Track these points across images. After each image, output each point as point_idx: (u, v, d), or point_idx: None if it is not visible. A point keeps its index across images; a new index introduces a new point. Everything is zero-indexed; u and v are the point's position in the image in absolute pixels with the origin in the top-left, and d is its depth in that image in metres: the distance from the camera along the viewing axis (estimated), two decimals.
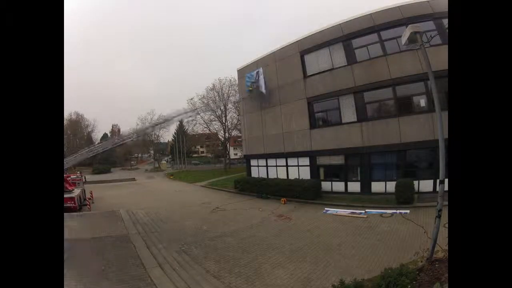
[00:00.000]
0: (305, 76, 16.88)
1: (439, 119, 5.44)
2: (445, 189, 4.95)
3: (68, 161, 13.87)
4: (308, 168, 16.81)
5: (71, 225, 11.13)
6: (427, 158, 13.15)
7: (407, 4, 13.46)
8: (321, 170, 16.42)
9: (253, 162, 20.88)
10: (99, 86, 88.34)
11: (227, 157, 44.71)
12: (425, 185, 12.68)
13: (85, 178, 25.32)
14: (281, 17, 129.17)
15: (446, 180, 4.49)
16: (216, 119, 40.62)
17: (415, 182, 12.63)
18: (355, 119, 14.80)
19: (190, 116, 25.13)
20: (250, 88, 17.84)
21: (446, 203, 3.02)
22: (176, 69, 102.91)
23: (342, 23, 15.28)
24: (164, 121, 18.95)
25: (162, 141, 62.94)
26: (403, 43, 6.09)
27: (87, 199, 17.36)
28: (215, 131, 43.68)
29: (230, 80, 37.36)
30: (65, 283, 2.82)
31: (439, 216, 5.26)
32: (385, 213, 11.21)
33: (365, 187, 14.46)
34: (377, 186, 14.09)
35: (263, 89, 18.30)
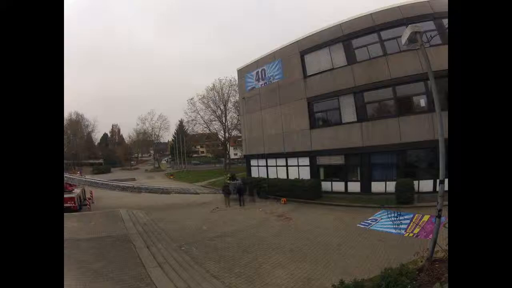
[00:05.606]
0: (305, 76, 16.88)
1: (439, 119, 5.43)
2: (445, 189, 4.94)
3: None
4: (308, 168, 16.81)
5: (71, 225, 11.12)
6: (427, 158, 13.14)
7: (407, 4, 13.46)
8: (321, 170, 16.42)
9: (253, 162, 20.88)
10: (99, 86, 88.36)
11: (227, 157, 44.71)
12: (425, 185, 12.68)
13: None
14: (281, 16, 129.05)
15: (446, 180, 4.48)
16: (216, 119, 40.69)
17: (415, 182, 12.63)
18: (355, 119, 14.80)
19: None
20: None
21: (446, 203, 3.01)
22: (176, 68, 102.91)
23: (342, 23, 15.28)
24: None
25: (162, 141, 62.99)
26: (403, 43, 6.09)
27: (87, 199, 17.36)
28: (215, 131, 43.75)
29: (230, 80, 37.47)
30: (65, 283, 2.81)
31: (439, 216, 5.25)
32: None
33: (365, 187, 14.46)
34: (377, 186, 14.09)
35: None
